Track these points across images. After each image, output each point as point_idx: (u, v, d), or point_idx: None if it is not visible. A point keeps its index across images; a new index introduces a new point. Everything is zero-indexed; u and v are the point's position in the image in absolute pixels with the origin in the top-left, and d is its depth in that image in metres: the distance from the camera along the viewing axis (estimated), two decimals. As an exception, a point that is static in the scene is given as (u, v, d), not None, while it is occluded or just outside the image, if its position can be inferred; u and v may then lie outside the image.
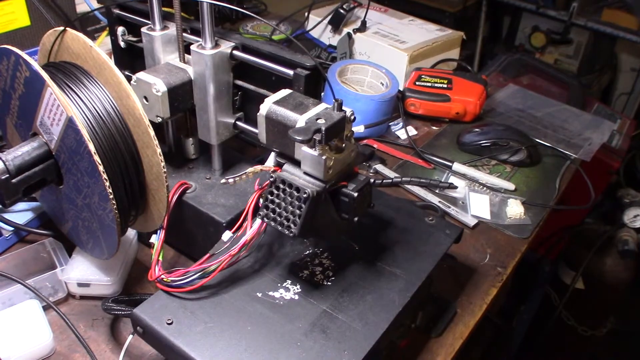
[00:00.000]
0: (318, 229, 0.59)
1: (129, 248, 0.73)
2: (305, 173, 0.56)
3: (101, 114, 0.59)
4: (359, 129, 1.02)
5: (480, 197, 0.92)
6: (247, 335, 0.55)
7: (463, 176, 0.97)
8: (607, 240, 1.42)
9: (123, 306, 0.62)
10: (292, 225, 0.55)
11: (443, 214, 0.87)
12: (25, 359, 0.62)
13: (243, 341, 0.54)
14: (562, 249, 1.49)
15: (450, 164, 0.99)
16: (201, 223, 0.69)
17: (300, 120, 0.56)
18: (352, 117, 0.57)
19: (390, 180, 0.94)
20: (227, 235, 0.60)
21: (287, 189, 0.55)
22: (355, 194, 0.58)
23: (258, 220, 0.58)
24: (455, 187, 0.93)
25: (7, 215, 0.75)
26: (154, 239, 0.64)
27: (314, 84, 0.65)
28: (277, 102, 0.59)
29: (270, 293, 0.59)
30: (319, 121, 0.54)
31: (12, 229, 0.75)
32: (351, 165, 0.60)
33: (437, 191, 0.93)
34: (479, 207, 0.89)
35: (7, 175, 0.58)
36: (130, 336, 0.61)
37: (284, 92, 0.61)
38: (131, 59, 0.80)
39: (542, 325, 1.51)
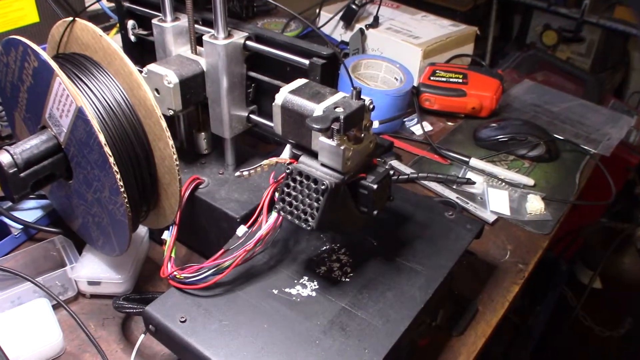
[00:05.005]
0: (336, 223, 0.57)
1: (140, 246, 0.71)
2: (322, 165, 0.54)
3: (111, 105, 0.57)
4: (373, 124, 0.99)
5: (499, 192, 0.90)
6: (263, 334, 0.53)
7: (481, 172, 0.95)
8: (625, 238, 1.39)
9: (135, 304, 0.60)
10: (309, 219, 0.53)
11: (461, 209, 0.85)
12: (35, 359, 0.60)
13: (259, 339, 0.52)
14: (579, 248, 1.46)
15: (467, 159, 0.96)
16: (214, 219, 0.67)
17: (318, 109, 0.54)
18: (371, 106, 0.55)
19: (407, 176, 0.91)
20: (241, 230, 0.58)
21: (304, 181, 0.53)
22: (375, 186, 0.56)
23: (274, 214, 0.56)
24: (473, 183, 0.90)
25: (16, 214, 0.74)
26: (166, 235, 0.62)
27: (330, 74, 0.63)
28: (293, 92, 0.57)
29: (287, 290, 0.57)
30: (336, 110, 0.52)
31: (21, 227, 0.74)
32: (370, 157, 0.58)
33: (454, 187, 0.91)
34: (498, 203, 0.87)
35: (15, 169, 0.56)
36: (142, 335, 0.59)
37: (300, 82, 0.59)
38: (141, 54, 0.78)
39: (558, 325, 1.48)
